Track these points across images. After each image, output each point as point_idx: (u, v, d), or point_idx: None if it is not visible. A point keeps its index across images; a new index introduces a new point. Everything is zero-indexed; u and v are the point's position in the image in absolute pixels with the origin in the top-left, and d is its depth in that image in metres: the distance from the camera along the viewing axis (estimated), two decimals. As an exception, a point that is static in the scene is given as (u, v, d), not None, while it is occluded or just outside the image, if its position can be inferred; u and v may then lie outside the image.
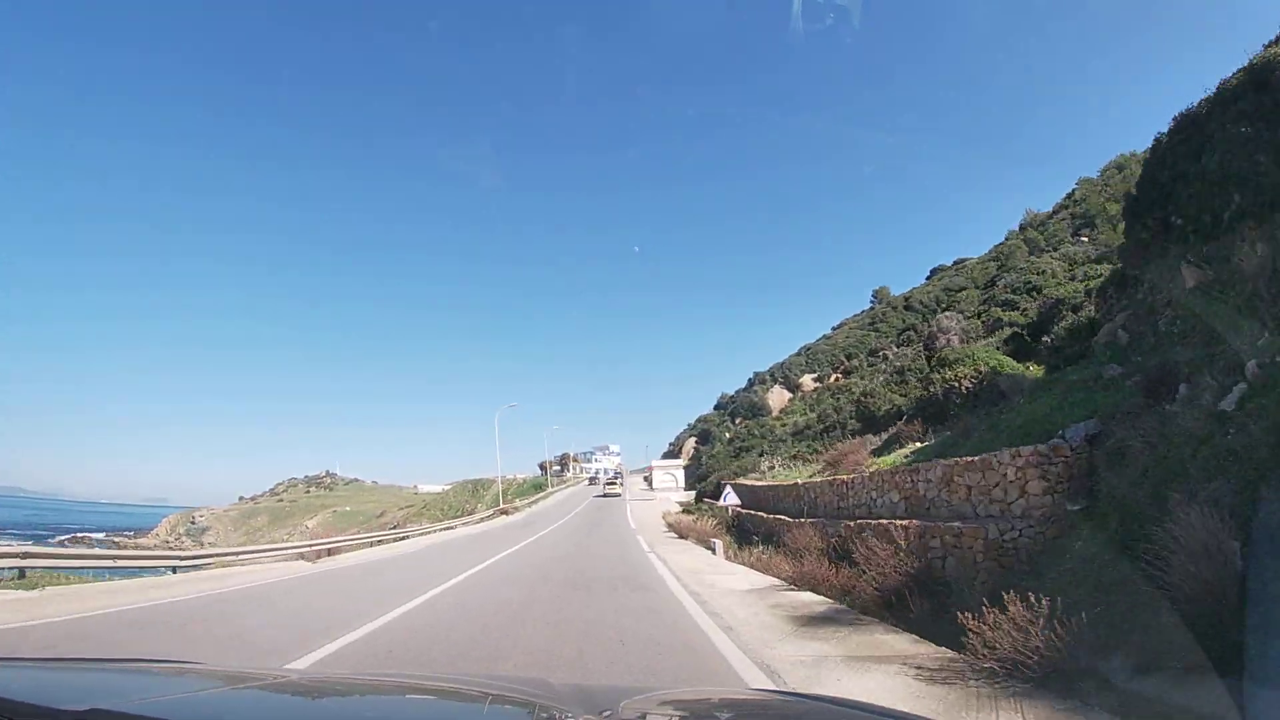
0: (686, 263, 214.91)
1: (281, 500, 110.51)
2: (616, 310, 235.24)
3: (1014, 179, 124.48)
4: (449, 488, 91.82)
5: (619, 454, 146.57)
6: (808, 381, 59.43)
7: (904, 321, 55.89)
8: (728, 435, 61.18)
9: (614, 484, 70.29)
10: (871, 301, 68.57)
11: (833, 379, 54.48)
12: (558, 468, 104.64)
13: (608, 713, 1.86)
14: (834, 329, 69.65)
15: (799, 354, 68.82)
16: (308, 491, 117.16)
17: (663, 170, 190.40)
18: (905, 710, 3.37)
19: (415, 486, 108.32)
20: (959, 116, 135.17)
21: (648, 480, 79.59)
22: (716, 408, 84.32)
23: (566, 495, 70.16)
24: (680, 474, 70.23)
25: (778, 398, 62.01)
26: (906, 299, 59.68)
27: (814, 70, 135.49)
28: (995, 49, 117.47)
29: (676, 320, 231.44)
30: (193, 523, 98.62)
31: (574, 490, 79.18)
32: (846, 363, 56.04)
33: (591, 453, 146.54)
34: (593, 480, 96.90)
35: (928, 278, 62.45)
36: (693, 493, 49.35)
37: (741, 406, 68.50)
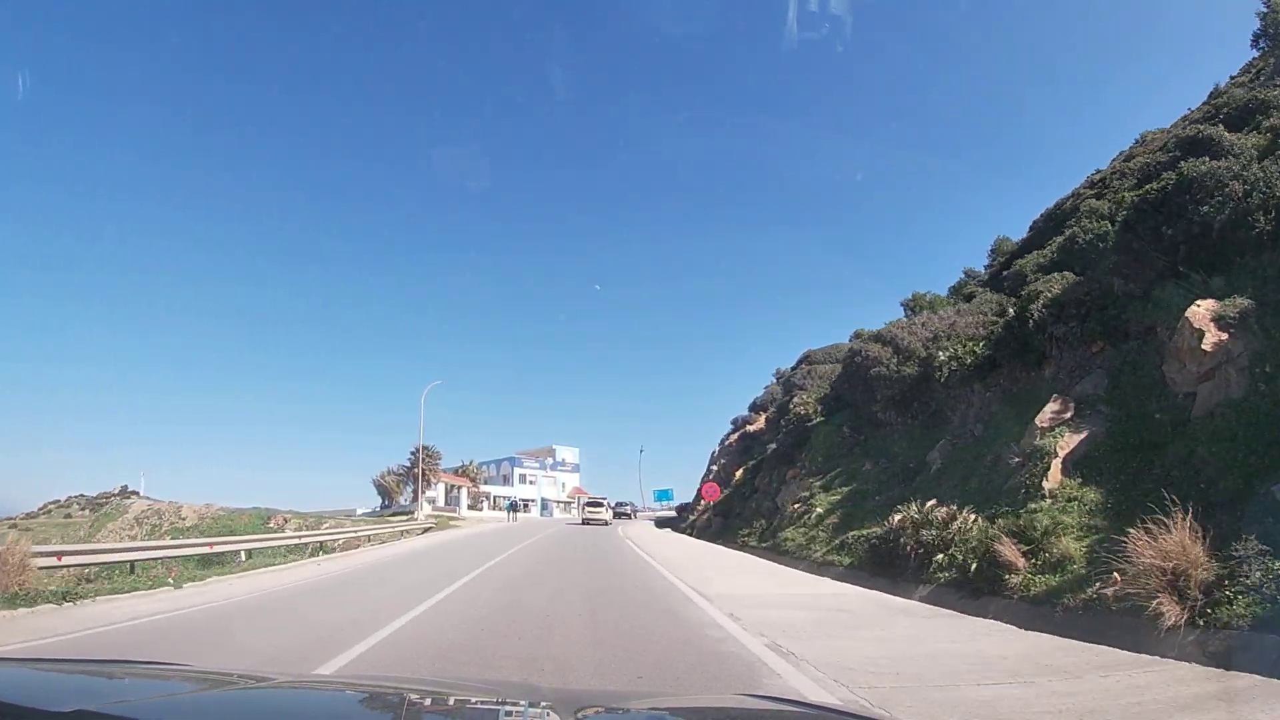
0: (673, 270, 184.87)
1: (17, 525, 77.90)
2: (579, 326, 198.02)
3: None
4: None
5: (576, 467, 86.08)
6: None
7: None
8: None
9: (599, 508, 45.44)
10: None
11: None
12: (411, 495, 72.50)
13: (584, 711, 1.89)
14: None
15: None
16: (67, 516, 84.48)
17: (653, 174, 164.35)
18: None
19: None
20: (959, 125, 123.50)
21: None
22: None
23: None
24: None
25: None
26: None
27: (806, 77, 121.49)
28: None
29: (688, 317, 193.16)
30: None
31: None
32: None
33: (514, 460, 79.08)
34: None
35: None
36: None
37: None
